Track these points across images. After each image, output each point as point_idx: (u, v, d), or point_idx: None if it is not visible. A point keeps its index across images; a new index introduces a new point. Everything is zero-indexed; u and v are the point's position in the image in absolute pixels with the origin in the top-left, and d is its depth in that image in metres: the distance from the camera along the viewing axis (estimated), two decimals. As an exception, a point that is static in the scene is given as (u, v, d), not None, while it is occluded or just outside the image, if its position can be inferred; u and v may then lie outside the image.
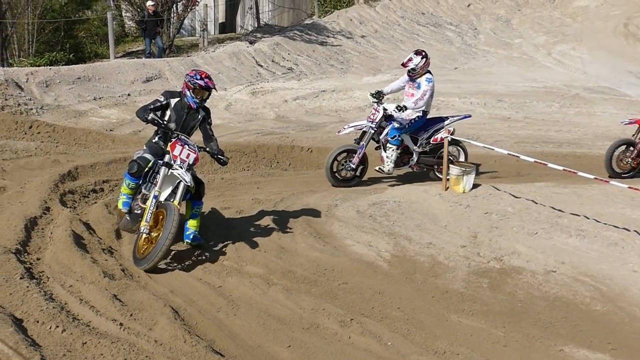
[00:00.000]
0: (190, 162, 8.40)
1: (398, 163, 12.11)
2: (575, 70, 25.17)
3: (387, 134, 11.95)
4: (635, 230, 9.63)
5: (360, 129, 12.04)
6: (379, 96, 12.03)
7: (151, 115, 8.30)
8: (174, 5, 24.22)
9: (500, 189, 11.15)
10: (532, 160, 11.31)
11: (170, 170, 8.32)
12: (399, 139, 11.93)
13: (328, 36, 26.65)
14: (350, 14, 29.10)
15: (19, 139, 13.09)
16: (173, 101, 8.60)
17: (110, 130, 15.28)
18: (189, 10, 24.79)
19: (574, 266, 8.81)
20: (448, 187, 11.25)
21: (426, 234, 9.84)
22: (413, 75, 12.04)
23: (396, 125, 11.87)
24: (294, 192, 11.43)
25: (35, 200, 9.32)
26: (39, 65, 19.48)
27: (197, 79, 8.52)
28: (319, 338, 6.86)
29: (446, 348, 6.84)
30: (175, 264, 8.36)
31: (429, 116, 12.29)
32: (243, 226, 9.72)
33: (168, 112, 8.59)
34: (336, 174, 12.02)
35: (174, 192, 8.36)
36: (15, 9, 22.23)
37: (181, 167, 8.30)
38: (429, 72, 12.08)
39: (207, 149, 8.71)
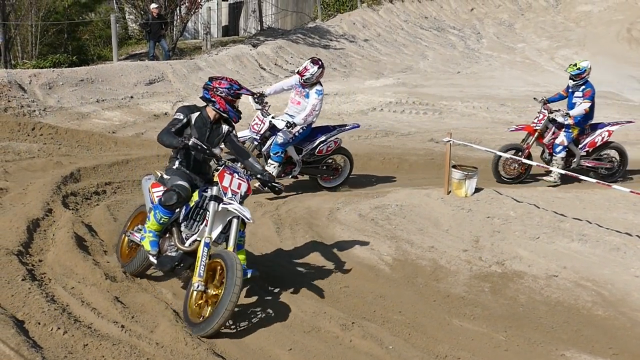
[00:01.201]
0: (242, 194, 7.23)
1: (280, 173, 11.43)
2: (578, 74, 25.14)
3: (269, 147, 11.31)
4: (637, 235, 9.63)
5: (243, 141, 11.03)
6: (261, 100, 11.29)
7: (193, 141, 7.02)
8: (177, 8, 24.24)
9: (502, 193, 11.16)
10: (535, 164, 11.32)
11: (222, 206, 7.05)
12: (282, 155, 11.27)
13: (331, 40, 26.66)
14: (354, 17, 29.11)
15: (21, 140, 13.10)
16: (193, 117, 7.46)
17: (113, 133, 15.28)
18: (192, 13, 24.81)
19: (576, 271, 8.81)
20: (450, 191, 11.25)
21: (428, 237, 9.84)
22: (305, 84, 11.40)
23: (279, 140, 11.17)
24: (295, 196, 11.43)
25: (37, 202, 9.32)
26: (42, 67, 19.50)
27: (235, 89, 7.59)
28: (320, 341, 6.86)
29: (447, 352, 6.84)
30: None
31: (314, 125, 11.76)
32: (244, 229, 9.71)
33: (188, 131, 7.40)
34: None
35: (222, 232, 7.16)
36: (19, 11, 22.28)
37: (233, 201, 7.11)
38: (319, 82, 11.47)
39: (258, 176, 7.49)
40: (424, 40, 28.86)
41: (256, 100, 11.27)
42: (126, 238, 8.13)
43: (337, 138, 11.74)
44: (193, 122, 7.45)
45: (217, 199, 7.09)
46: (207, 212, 7.12)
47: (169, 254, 7.37)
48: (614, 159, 12.98)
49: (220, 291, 6.73)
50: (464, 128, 17.18)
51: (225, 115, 7.54)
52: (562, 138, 12.55)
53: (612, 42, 28.89)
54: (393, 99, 19.89)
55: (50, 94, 16.80)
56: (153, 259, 7.35)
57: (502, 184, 12.39)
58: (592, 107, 12.64)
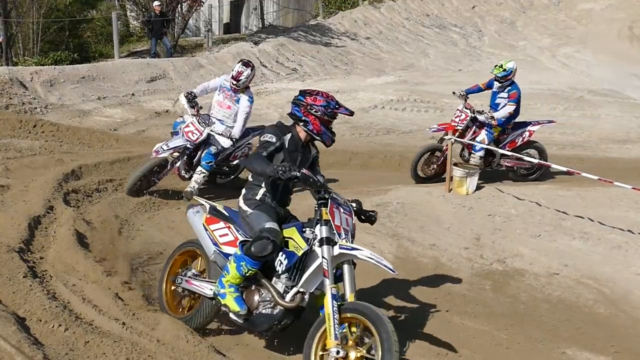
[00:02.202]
0: (352, 231, 6.17)
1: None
2: (580, 73, 25.15)
3: (200, 157, 10.79)
4: (639, 233, 9.62)
5: (180, 151, 10.60)
6: (193, 101, 10.74)
7: (303, 172, 5.98)
8: (179, 6, 24.24)
9: (503, 191, 11.15)
10: (536, 161, 11.31)
11: (340, 250, 5.86)
12: (213, 164, 10.83)
13: (332, 37, 26.66)
14: (355, 15, 29.11)
15: (23, 137, 13.10)
16: (286, 140, 6.35)
17: (114, 130, 15.29)
18: (193, 10, 24.83)
19: (577, 269, 8.81)
20: (451, 189, 11.24)
21: (429, 235, 9.84)
22: (237, 89, 10.90)
23: (213, 150, 10.73)
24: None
25: (39, 199, 9.31)
26: (43, 65, 19.52)
27: (333, 107, 6.48)
28: (321, 339, 6.85)
29: (448, 350, 6.83)
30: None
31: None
32: (246, 226, 9.72)
33: (280, 156, 6.28)
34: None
35: (332, 277, 5.83)
36: (20, 8, 22.30)
37: (348, 241, 6.01)
38: (249, 87, 11.15)
39: (359, 211, 6.59)
40: (426, 37, 28.85)
41: (190, 101, 10.71)
42: (171, 285, 7.06)
43: (250, 143, 11.31)
44: (286, 145, 6.35)
45: (330, 242, 5.89)
46: (323, 260, 5.83)
47: (264, 311, 6.18)
48: (533, 158, 12.70)
49: (362, 353, 5.51)
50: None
51: (318, 138, 6.46)
52: (482, 137, 12.23)
53: (614, 40, 28.86)
54: (394, 96, 19.89)
55: (52, 91, 16.81)
56: (240, 320, 6.30)
57: (494, 183, 12.38)
58: (516, 109, 12.38)
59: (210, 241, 6.62)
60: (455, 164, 11.34)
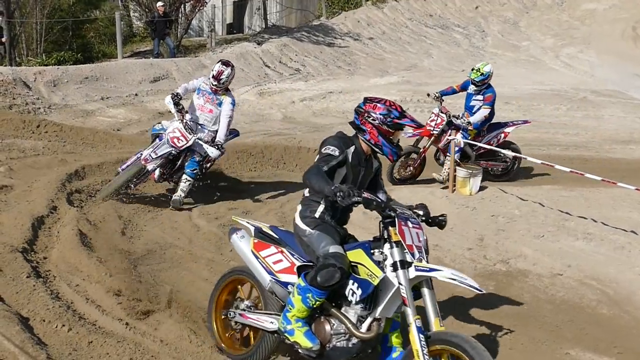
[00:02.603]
0: (425, 246, 5.53)
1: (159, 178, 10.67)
2: (583, 73, 25.14)
3: (181, 163, 10.61)
4: (642, 234, 9.61)
5: (166, 157, 10.37)
6: (180, 105, 10.41)
7: (365, 196, 5.35)
8: (182, 6, 24.26)
9: (507, 191, 11.13)
10: (539, 162, 11.30)
11: (417, 273, 5.27)
12: (198, 172, 10.64)
13: (335, 37, 26.66)
14: (358, 15, 29.11)
15: (26, 138, 13.11)
16: (350, 153, 5.71)
17: (118, 130, 15.30)
18: (196, 10, 24.84)
19: (581, 269, 8.79)
20: (455, 190, 11.23)
21: (432, 236, 9.78)
22: (218, 89, 10.63)
23: (197, 157, 10.55)
24: (300, 194, 11.41)
25: (42, 199, 9.33)
26: (47, 65, 19.54)
27: (394, 116, 5.73)
28: (324, 339, 6.84)
29: (452, 350, 6.82)
30: (181, 265, 8.36)
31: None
32: (249, 227, 9.72)
33: (343, 171, 5.68)
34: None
35: (413, 305, 5.23)
36: (23, 9, 22.30)
37: (423, 259, 5.40)
38: (229, 90, 10.86)
39: (427, 218, 5.90)
40: (429, 38, 28.84)
41: (176, 102, 10.33)
42: (222, 318, 6.44)
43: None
44: (350, 159, 5.72)
45: (404, 265, 5.28)
46: (402, 287, 5.22)
47: (339, 344, 5.49)
48: (507, 158, 12.59)
49: None
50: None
51: (377, 150, 5.83)
52: (459, 138, 11.96)
53: (617, 40, 28.83)
54: (398, 97, 19.87)
55: (55, 91, 16.83)
56: (313, 355, 5.57)
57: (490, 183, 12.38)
58: (491, 111, 12.26)
59: (263, 269, 5.98)
60: (459, 164, 11.33)
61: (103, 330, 6.32)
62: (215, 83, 10.55)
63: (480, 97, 12.27)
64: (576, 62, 26.59)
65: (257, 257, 6.06)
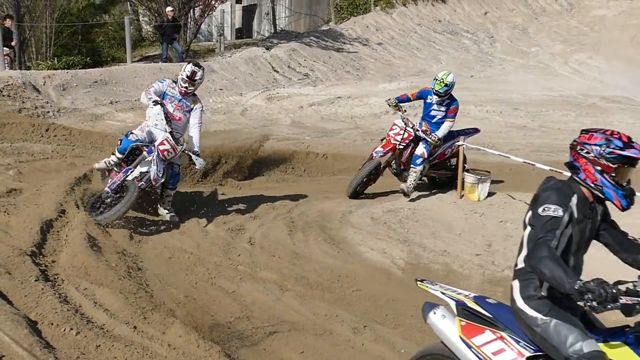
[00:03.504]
0: None
1: None
2: (592, 79, 25.09)
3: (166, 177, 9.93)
4: (650, 241, 9.56)
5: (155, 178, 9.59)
6: (162, 107, 9.74)
7: (624, 302, 4.07)
8: (191, 11, 24.32)
9: (515, 197, 11.12)
10: (548, 168, 11.26)
11: None
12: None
13: (344, 42, 26.66)
14: (367, 20, 29.10)
15: (35, 141, 13.15)
16: (573, 206, 4.48)
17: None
18: (206, 15, 24.89)
19: (588, 276, 8.73)
20: (463, 195, 11.23)
21: (440, 241, 9.81)
22: (188, 93, 10.00)
23: (177, 169, 10.13)
24: (308, 198, 11.44)
25: (51, 203, 9.34)
26: (56, 69, 19.58)
27: (617, 147, 4.52)
28: (332, 344, 6.85)
29: (460, 356, 6.80)
30: (189, 269, 8.36)
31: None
32: (257, 231, 9.73)
33: (568, 231, 4.42)
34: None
35: None
36: (33, 13, 22.37)
37: None
38: (196, 95, 10.25)
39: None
40: (438, 43, 28.82)
41: (160, 105, 9.72)
42: None
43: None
44: (575, 214, 4.50)
45: None
46: None
47: None
48: (453, 166, 12.20)
49: None
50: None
51: (598, 193, 4.58)
52: (422, 150, 11.52)
53: (626, 46, 28.76)
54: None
55: (64, 95, 16.87)
56: None
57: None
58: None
59: None
60: (467, 170, 11.32)
61: (111, 334, 6.33)
62: (186, 85, 9.89)
63: (443, 108, 11.69)
64: (585, 68, 26.54)
65: (469, 346, 4.77)
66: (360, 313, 7.59)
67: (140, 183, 9.52)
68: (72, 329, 6.24)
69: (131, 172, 9.60)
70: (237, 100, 19.18)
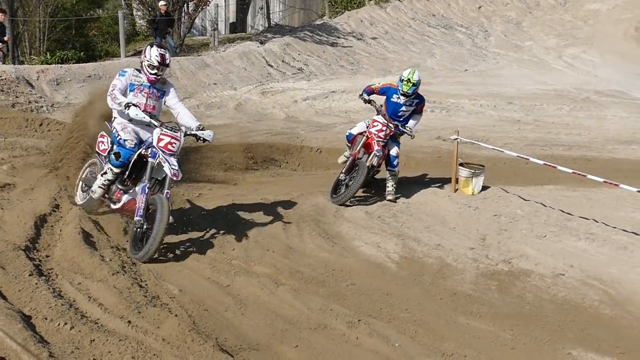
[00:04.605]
0: None
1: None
2: (586, 73, 25.11)
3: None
4: (644, 234, 9.61)
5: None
6: (137, 107, 8.51)
7: None
8: (185, 5, 24.28)
9: (509, 191, 11.14)
10: (542, 162, 11.29)
11: None
12: None
13: (338, 37, 26.65)
14: (361, 15, 29.10)
15: (29, 136, 13.13)
16: None
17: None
18: (199, 9, 24.85)
19: (583, 269, 8.79)
20: (457, 189, 11.24)
21: (435, 235, 9.83)
22: (158, 77, 8.86)
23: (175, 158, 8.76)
24: (302, 193, 11.42)
25: (44, 198, 9.33)
26: (50, 63, 19.54)
27: None
28: (326, 338, 6.85)
29: (453, 350, 6.82)
30: (183, 263, 8.36)
31: None
32: (251, 226, 9.73)
33: None
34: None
35: None
36: (27, 7, 22.34)
37: None
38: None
39: None
40: (432, 38, 28.82)
41: (137, 106, 8.48)
42: None
43: None
44: None
45: None
46: None
47: None
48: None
49: None
50: (471, 126, 17.16)
51: None
52: (396, 150, 11.27)
53: (620, 40, 28.80)
54: (400, 96, 19.87)
55: (58, 90, 16.85)
56: None
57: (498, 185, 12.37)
58: None
59: None
60: (461, 164, 11.33)
61: (105, 329, 6.32)
62: (155, 72, 8.73)
63: (411, 107, 11.26)
64: (579, 63, 26.56)
65: None
66: (355, 307, 7.60)
67: (166, 192, 8.40)
68: (66, 323, 6.24)
69: (149, 186, 8.48)
70: (231, 95, 19.16)
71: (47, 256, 7.86)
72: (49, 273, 7.40)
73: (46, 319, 6.30)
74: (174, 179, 8.42)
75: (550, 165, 10.97)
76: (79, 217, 8.78)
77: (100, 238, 8.53)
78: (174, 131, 8.59)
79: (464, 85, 21.96)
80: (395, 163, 11.23)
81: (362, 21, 28.60)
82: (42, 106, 15.79)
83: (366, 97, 11.25)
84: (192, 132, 8.71)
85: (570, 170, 10.64)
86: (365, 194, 11.49)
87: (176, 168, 8.39)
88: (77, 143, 10.69)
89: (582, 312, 7.84)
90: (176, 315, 6.77)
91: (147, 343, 6.18)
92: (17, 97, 15.66)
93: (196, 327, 6.65)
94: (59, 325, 6.22)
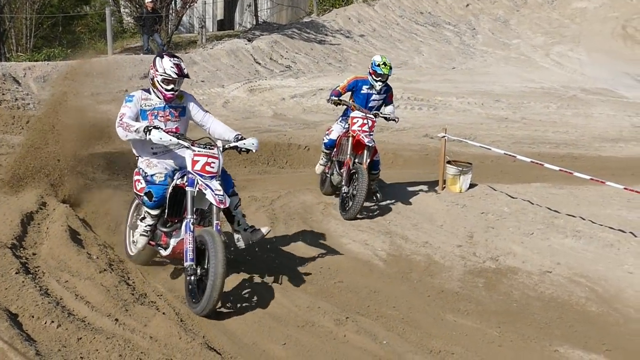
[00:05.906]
0: None
1: None
2: (573, 71, 25.17)
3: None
4: (630, 232, 9.66)
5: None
6: (157, 129, 7.29)
7: None
8: (173, 2, 24.20)
9: (496, 189, 11.17)
10: (529, 160, 11.33)
11: None
12: None
13: (326, 34, 26.63)
14: (349, 12, 29.07)
15: (15, 134, 13.07)
16: None
17: (107, 127, 15.23)
18: (187, 7, 24.77)
19: (570, 267, 8.83)
20: (445, 187, 11.27)
21: (422, 233, 9.85)
22: (175, 95, 7.57)
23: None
24: (290, 190, 11.43)
25: (31, 196, 9.30)
26: (36, 60, 19.44)
27: None
28: (314, 336, 6.85)
29: (441, 347, 6.84)
30: (170, 262, 8.34)
31: None
32: (239, 223, 9.71)
33: None
34: None
35: None
36: (13, 4, 22.20)
37: None
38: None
39: None
40: (419, 35, 28.83)
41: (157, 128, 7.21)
42: None
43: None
44: None
45: None
46: None
47: None
48: None
49: None
50: (458, 124, 17.18)
51: None
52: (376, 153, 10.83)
53: (607, 39, 28.88)
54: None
55: (45, 87, 16.75)
56: None
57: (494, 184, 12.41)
58: None
59: None
60: (449, 162, 11.36)
61: (92, 327, 6.31)
62: (170, 87, 7.44)
63: (382, 95, 10.86)
64: (566, 61, 26.62)
65: None
66: (342, 304, 7.61)
67: (215, 224, 7.16)
68: (53, 321, 6.22)
69: (193, 221, 7.22)
70: (219, 92, 19.11)
71: (33, 254, 7.84)
72: (35, 271, 7.38)
73: (33, 317, 6.28)
74: (220, 206, 7.10)
75: (537, 163, 11.00)
76: (65, 214, 8.76)
77: (88, 236, 8.51)
78: (209, 148, 7.34)
79: (452, 83, 21.99)
80: (379, 166, 10.85)
81: (349, 19, 28.58)
82: (29, 103, 15.71)
83: (335, 98, 10.68)
84: (232, 145, 7.56)
85: (557, 168, 10.68)
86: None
87: (221, 193, 7.09)
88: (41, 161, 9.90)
89: (569, 310, 7.87)
90: (164, 313, 6.76)
91: (134, 341, 6.18)
92: (3, 94, 15.58)
93: (184, 324, 6.65)
94: (45, 323, 6.21)
